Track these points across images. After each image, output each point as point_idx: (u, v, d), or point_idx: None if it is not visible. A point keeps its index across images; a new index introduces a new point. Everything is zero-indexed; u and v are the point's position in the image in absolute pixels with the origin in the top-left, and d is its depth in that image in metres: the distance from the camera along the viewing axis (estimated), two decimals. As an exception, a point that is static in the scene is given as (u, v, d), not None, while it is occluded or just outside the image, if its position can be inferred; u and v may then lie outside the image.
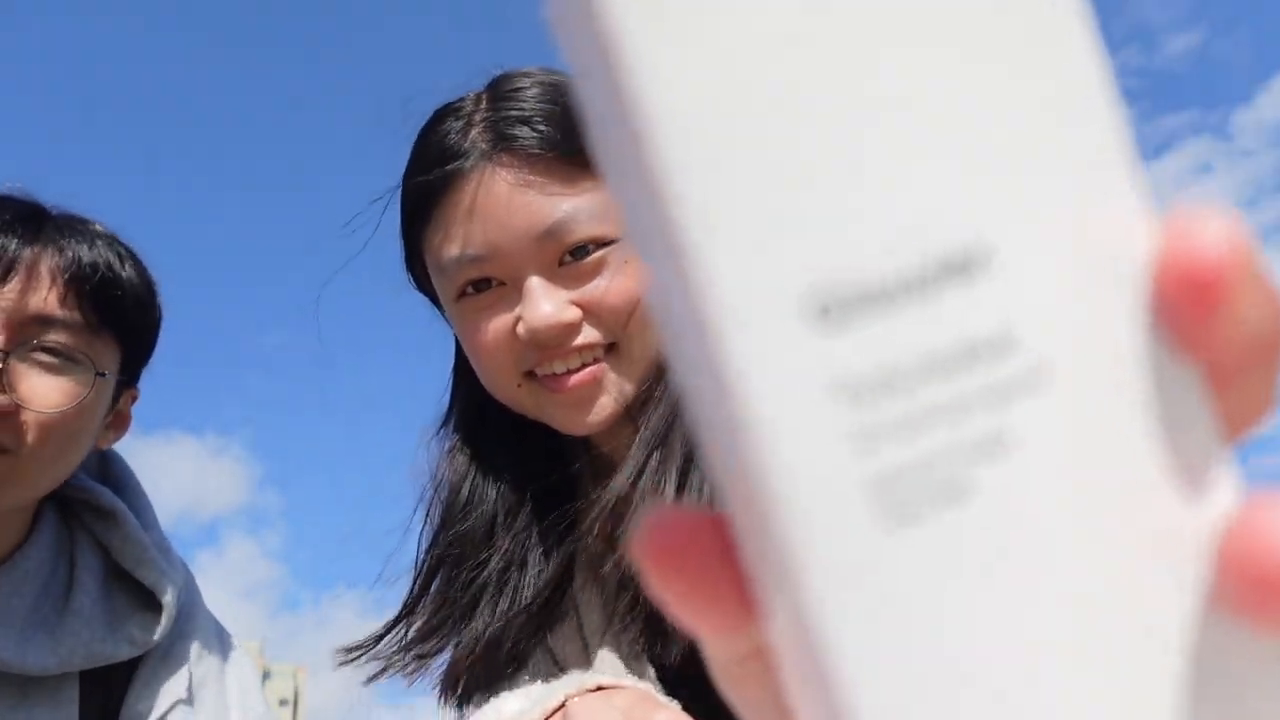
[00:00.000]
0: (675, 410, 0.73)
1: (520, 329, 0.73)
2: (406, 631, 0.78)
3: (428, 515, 0.82)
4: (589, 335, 0.74)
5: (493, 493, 0.79)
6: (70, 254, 0.90)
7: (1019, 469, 0.13)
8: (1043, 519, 0.13)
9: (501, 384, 0.77)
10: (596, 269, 0.74)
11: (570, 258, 0.73)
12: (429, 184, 0.75)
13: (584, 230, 0.72)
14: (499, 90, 0.77)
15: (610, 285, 0.74)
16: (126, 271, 0.95)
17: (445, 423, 0.86)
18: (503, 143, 0.73)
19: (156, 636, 0.97)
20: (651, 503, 0.70)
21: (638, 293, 0.74)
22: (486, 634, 0.73)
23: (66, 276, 0.89)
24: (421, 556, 0.81)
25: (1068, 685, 0.13)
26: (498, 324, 0.75)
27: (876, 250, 0.13)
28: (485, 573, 0.75)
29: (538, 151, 0.73)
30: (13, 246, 0.87)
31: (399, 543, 0.83)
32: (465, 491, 0.80)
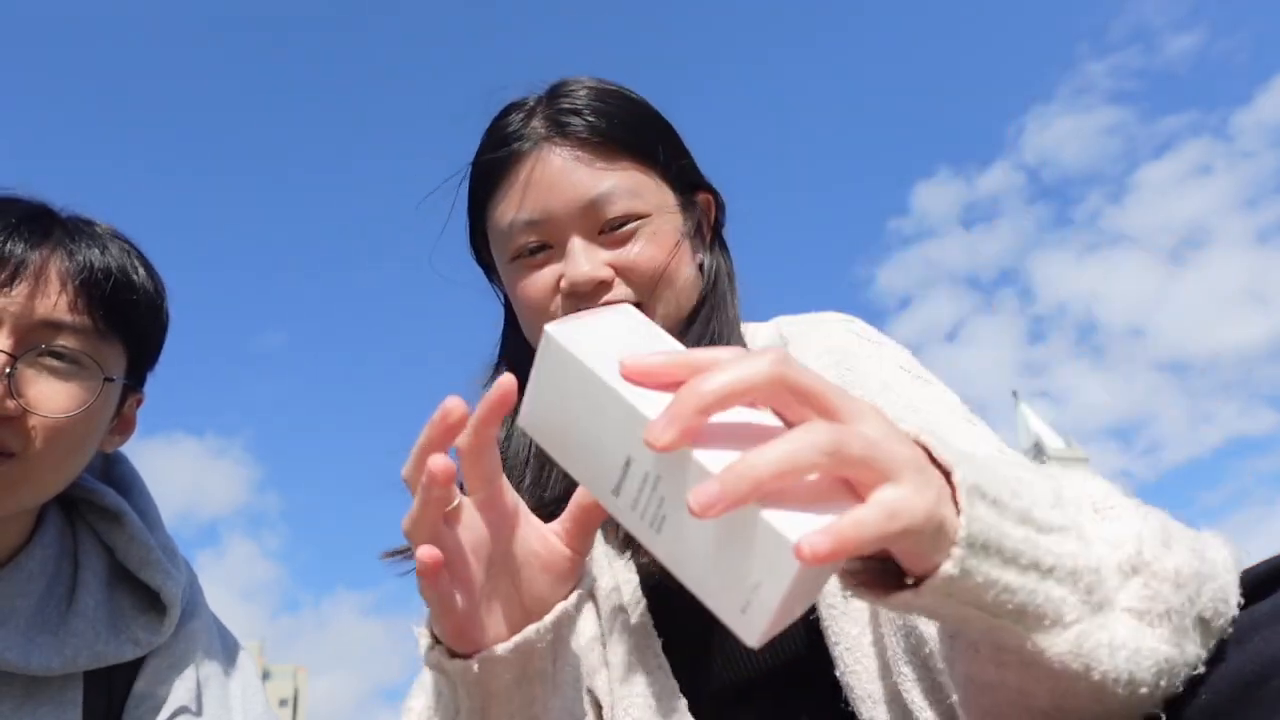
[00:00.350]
0: None
1: (563, 282, 0.89)
2: None
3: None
4: (620, 292, 0.89)
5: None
6: (81, 258, 0.90)
7: (671, 504, 0.48)
8: (682, 511, 0.46)
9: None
10: (630, 237, 0.89)
11: (608, 227, 0.89)
12: (493, 163, 0.91)
13: (622, 205, 0.89)
14: (556, 90, 0.93)
15: (640, 251, 0.89)
16: (139, 276, 0.95)
17: (496, 371, 1.01)
18: (557, 128, 0.89)
19: (160, 638, 0.97)
20: None
21: (664, 260, 0.90)
22: None
23: (78, 281, 0.89)
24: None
25: (714, 551, 0.47)
26: (544, 279, 0.90)
27: (609, 476, 0.52)
28: (530, 499, 0.89)
29: (586, 136, 0.89)
30: (19, 250, 0.87)
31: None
32: (506, 429, 0.95)
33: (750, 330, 1.02)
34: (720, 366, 0.47)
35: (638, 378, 0.50)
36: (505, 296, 1.02)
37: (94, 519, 1.01)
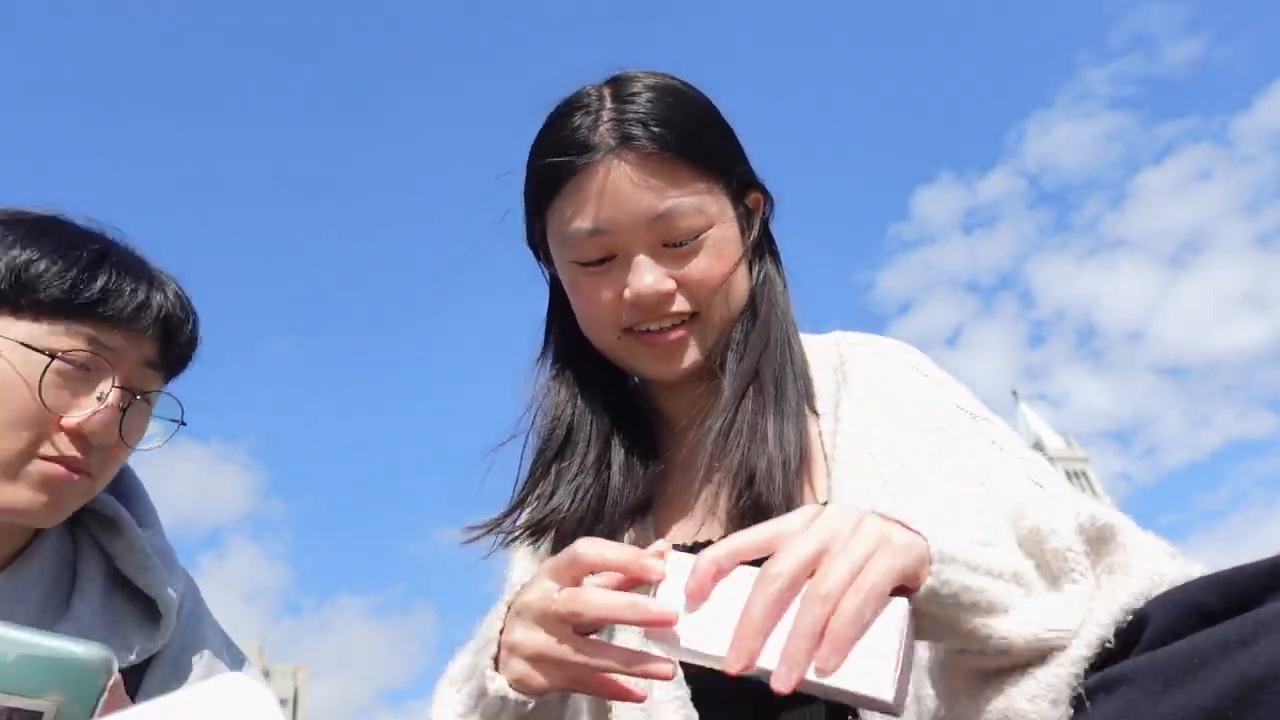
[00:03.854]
0: (761, 355, 0.98)
1: (627, 293, 0.94)
2: (519, 515, 1.01)
3: (533, 428, 1.04)
4: (680, 304, 0.96)
5: (590, 418, 1.02)
6: (165, 301, 0.96)
7: None
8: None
9: (603, 335, 0.99)
10: (691, 253, 0.95)
11: (673, 242, 0.94)
12: (562, 166, 0.94)
13: (685, 223, 0.94)
14: (620, 91, 0.96)
15: (701, 266, 0.95)
16: (193, 320, 1.02)
17: (543, 355, 1.08)
18: (625, 141, 0.92)
19: (155, 645, 0.97)
20: (756, 425, 0.94)
21: (721, 273, 0.96)
22: (589, 515, 0.97)
23: (165, 325, 0.96)
24: (531, 462, 1.03)
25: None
26: (607, 288, 0.96)
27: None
28: (590, 479, 0.99)
29: (652, 150, 0.92)
30: (128, 288, 0.93)
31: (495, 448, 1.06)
32: (567, 415, 1.02)
33: (810, 342, 1.07)
34: (757, 590, 0.60)
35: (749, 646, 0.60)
36: (552, 276, 1.07)
37: (94, 525, 1.01)
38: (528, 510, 1.00)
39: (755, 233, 1.03)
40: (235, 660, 1.06)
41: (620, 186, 0.91)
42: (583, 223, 0.93)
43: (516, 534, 1.00)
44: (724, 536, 0.88)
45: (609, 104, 0.95)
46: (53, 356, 0.89)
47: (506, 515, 1.01)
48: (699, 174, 0.95)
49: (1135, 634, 0.58)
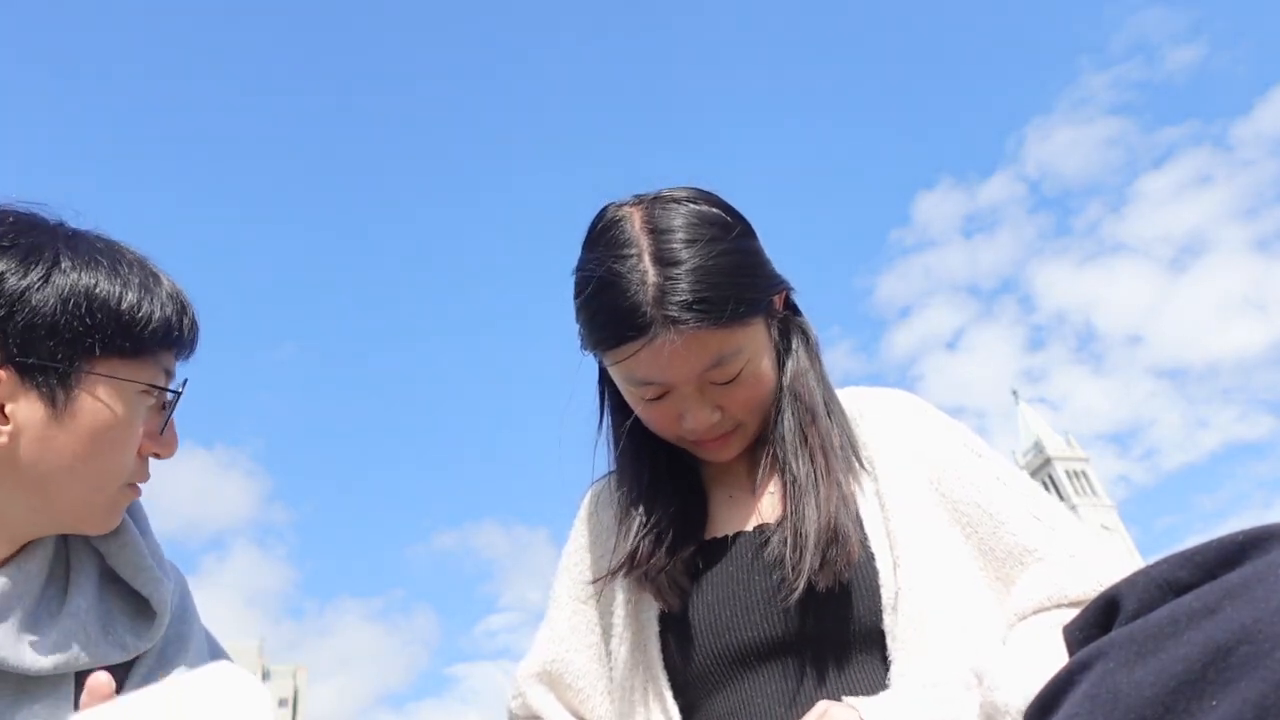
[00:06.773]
0: (809, 424, 1.12)
1: (684, 424, 1.10)
2: (628, 565, 1.16)
3: (619, 492, 1.20)
4: (725, 425, 1.12)
5: (659, 478, 1.18)
6: (188, 316, 0.98)
7: None
8: None
9: (662, 436, 1.15)
10: (735, 386, 1.09)
11: (720, 380, 1.08)
12: (618, 335, 1.05)
13: (730, 368, 1.07)
14: (661, 253, 1.04)
15: (743, 395, 1.10)
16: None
17: (603, 429, 1.24)
18: (674, 324, 1.02)
19: (147, 644, 0.98)
20: (830, 491, 1.07)
21: (760, 395, 1.12)
22: (673, 557, 1.13)
23: (191, 338, 0.99)
24: (628, 520, 1.17)
25: None
26: (666, 413, 1.11)
27: None
28: (668, 526, 1.14)
29: (701, 327, 1.03)
30: (184, 316, 0.97)
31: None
32: (644, 481, 1.18)
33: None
34: None
35: None
36: (602, 369, 1.19)
37: None
38: (628, 559, 1.15)
39: (778, 320, 1.16)
40: (217, 652, 1.09)
41: (673, 355, 1.03)
42: (640, 374, 1.07)
43: (634, 572, 1.15)
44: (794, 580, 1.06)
45: (652, 276, 1.03)
46: (177, 395, 0.96)
47: (620, 567, 1.16)
48: (740, 325, 1.06)
49: (1109, 616, 0.60)
